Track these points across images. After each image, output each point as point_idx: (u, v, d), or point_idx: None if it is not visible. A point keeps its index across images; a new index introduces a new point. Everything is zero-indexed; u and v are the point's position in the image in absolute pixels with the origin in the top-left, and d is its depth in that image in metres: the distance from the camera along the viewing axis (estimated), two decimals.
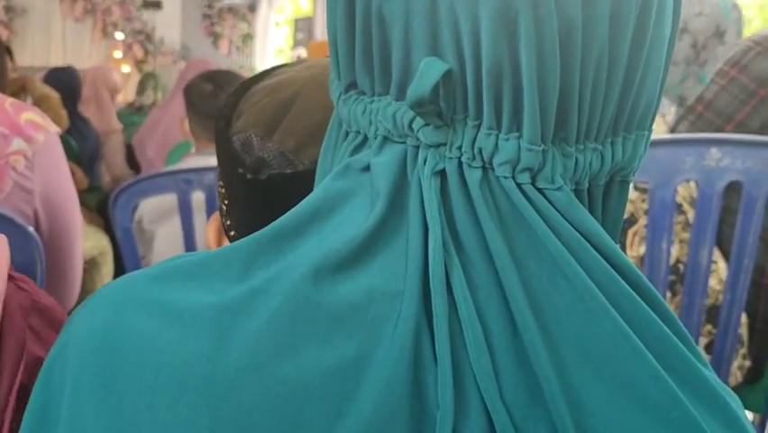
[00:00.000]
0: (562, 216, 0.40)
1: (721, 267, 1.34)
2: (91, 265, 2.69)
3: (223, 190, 0.64)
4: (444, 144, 0.40)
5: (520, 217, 0.40)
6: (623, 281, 0.40)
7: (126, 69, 7.23)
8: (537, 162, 0.39)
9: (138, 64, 7.38)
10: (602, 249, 0.40)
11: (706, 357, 1.28)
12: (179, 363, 0.38)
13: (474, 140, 0.40)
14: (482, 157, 0.40)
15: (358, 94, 0.44)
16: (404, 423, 0.37)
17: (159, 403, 0.38)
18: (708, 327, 1.30)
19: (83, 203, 2.68)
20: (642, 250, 1.26)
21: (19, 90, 2.54)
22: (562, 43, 0.38)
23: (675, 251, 1.31)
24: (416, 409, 0.38)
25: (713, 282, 1.31)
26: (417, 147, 0.41)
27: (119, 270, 2.95)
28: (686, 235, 1.29)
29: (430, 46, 0.39)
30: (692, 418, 0.38)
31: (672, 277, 1.29)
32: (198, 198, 1.68)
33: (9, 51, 3.63)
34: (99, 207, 3.24)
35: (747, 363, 1.39)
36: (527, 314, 0.38)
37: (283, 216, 0.43)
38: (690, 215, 1.29)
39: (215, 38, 7.68)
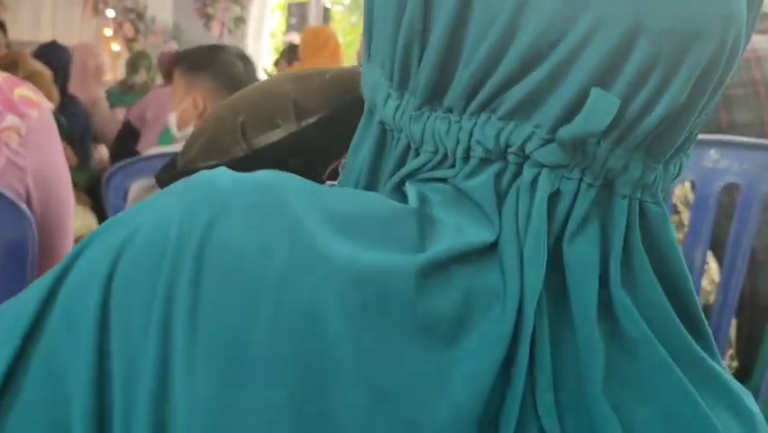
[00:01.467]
0: (655, 228, 0.42)
1: (713, 268, 1.35)
2: (78, 244, 2.69)
3: None
4: (565, 166, 0.40)
5: (631, 232, 0.41)
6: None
7: (116, 47, 7.17)
8: (652, 178, 0.41)
9: (128, 43, 7.32)
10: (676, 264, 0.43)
11: None
12: None
13: (605, 160, 0.40)
14: (605, 176, 0.40)
15: (436, 111, 0.43)
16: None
17: None
18: None
19: (72, 182, 2.66)
20: None
21: (10, 65, 2.52)
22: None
23: None
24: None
25: (704, 283, 1.32)
26: (519, 165, 0.41)
27: None
28: (680, 236, 1.29)
29: (586, 82, 0.38)
30: None
31: None
32: None
33: (2, 26, 3.61)
34: (88, 186, 3.22)
35: (735, 364, 1.40)
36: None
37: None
38: (684, 215, 1.30)
39: (207, 19, 7.64)
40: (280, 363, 0.36)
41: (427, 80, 0.42)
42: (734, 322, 1.37)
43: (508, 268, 0.39)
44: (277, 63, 4.15)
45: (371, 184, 0.47)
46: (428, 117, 0.43)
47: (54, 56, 3.36)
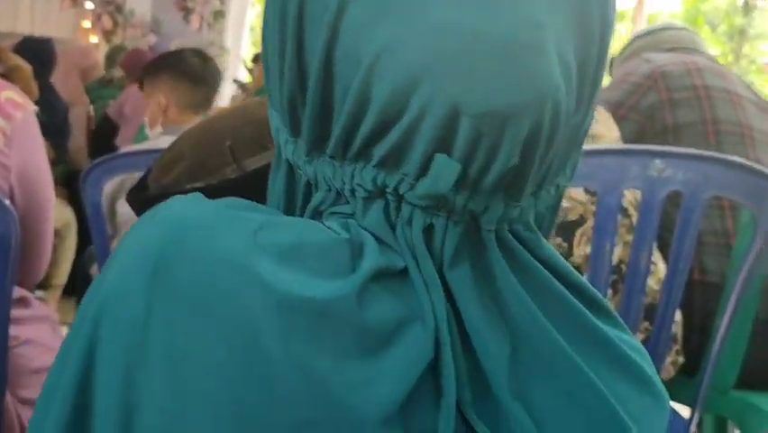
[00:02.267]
0: (534, 249, 0.49)
1: (660, 268, 1.43)
2: (58, 236, 2.72)
3: None
4: (432, 207, 0.46)
5: (496, 259, 0.47)
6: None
7: (94, 39, 7.15)
8: (518, 212, 0.48)
9: (106, 35, 7.28)
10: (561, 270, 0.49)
11: None
12: None
13: (466, 204, 0.46)
14: (469, 215, 0.46)
15: (322, 156, 0.48)
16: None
17: None
18: (646, 324, 1.39)
19: None
20: (588, 250, 1.34)
21: None
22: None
23: (619, 252, 1.40)
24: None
25: (652, 283, 1.40)
26: (397, 202, 0.46)
27: (82, 243, 2.98)
28: (630, 238, 1.37)
29: (438, 144, 0.44)
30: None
31: (615, 276, 1.37)
32: None
33: None
34: (64, 179, 3.25)
35: (681, 360, 1.48)
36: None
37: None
38: (635, 219, 1.38)
39: (187, 12, 7.61)
40: (225, 377, 0.42)
41: (309, 132, 0.48)
42: (680, 320, 1.46)
43: (419, 290, 0.45)
44: (255, 59, 4.18)
45: (288, 212, 0.52)
46: (317, 161, 0.48)
47: (36, 50, 3.37)
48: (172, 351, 0.42)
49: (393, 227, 0.47)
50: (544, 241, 0.50)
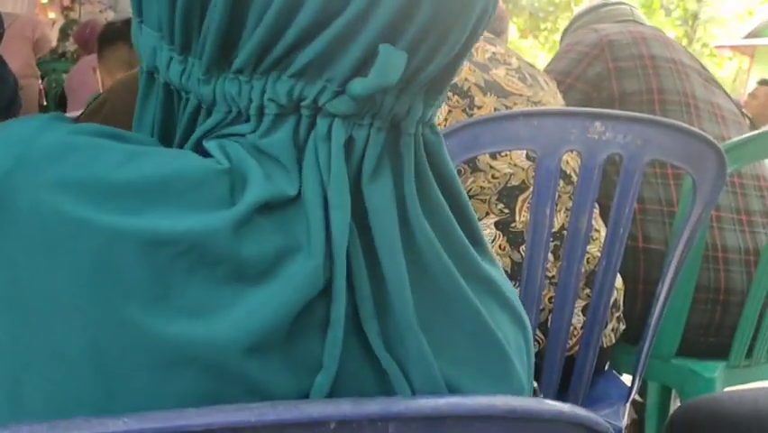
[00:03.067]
0: (436, 154, 0.48)
1: (602, 235, 1.42)
2: None
3: None
4: (356, 115, 0.43)
5: (420, 165, 0.46)
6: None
7: (52, 14, 7.02)
8: (431, 115, 0.47)
9: (64, 11, 7.16)
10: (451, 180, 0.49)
11: (582, 319, 1.36)
12: None
13: (392, 107, 0.44)
14: (392, 120, 0.45)
15: (225, 72, 0.44)
16: None
17: None
18: (587, 290, 1.39)
19: None
20: (530, 216, 1.34)
21: None
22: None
23: (561, 218, 1.39)
24: None
25: (594, 250, 1.40)
26: (313, 117, 0.44)
27: None
28: (572, 204, 1.36)
29: (374, 41, 0.42)
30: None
31: (557, 243, 1.37)
32: None
33: None
34: None
35: (622, 327, 1.48)
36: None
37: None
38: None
39: None
40: (80, 311, 0.39)
41: (212, 46, 0.44)
42: (621, 286, 1.46)
43: (313, 216, 0.43)
44: None
45: (164, 136, 0.48)
46: (217, 79, 0.44)
47: None
48: (15, 293, 0.40)
49: (300, 148, 0.44)
50: (444, 147, 0.49)
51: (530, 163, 1.38)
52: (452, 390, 0.46)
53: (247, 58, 0.43)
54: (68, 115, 1.79)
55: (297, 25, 0.42)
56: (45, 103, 3.90)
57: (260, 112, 0.44)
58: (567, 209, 1.39)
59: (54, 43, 4.22)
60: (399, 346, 0.45)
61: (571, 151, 1.26)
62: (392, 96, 0.44)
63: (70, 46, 4.14)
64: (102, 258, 0.39)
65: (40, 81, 3.88)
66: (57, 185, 0.40)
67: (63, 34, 4.24)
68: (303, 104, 0.43)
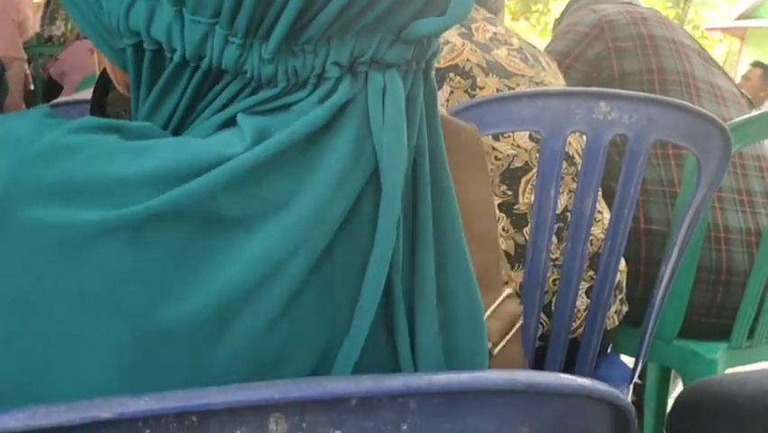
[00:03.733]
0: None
1: (606, 218, 1.41)
2: None
3: None
4: (408, 62, 0.46)
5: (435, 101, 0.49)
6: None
7: None
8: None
9: None
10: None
11: (585, 302, 1.35)
12: None
13: (429, 48, 0.47)
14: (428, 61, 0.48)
15: (291, 48, 0.44)
16: None
17: None
18: (591, 272, 1.38)
19: None
20: (533, 198, 1.32)
21: None
22: None
23: (564, 200, 1.38)
24: None
25: (597, 232, 1.39)
26: (366, 74, 0.45)
27: None
28: (575, 186, 1.35)
29: None
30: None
31: (560, 224, 1.36)
32: None
33: None
34: None
35: (625, 309, 1.48)
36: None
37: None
38: (581, 167, 1.36)
39: None
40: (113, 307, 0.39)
41: (286, 22, 0.43)
42: (624, 268, 1.45)
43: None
44: None
45: (183, 124, 0.48)
46: (280, 56, 0.44)
47: None
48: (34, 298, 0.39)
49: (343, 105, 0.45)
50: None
51: (533, 144, 1.36)
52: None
53: (318, 27, 0.43)
54: (63, 99, 1.77)
55: None
56: (32, 87, 3.86)
57: (319, 79, 0.45)
58: (570, 191, 1.37)
59: (38, 27, 4.16)
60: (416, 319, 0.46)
61: (576, 132, 1.25)
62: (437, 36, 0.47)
63: (57, 30, 4.09)
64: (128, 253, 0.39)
65: (27, 66, 3.84)
66: (64, 191, 0.39)
67: (50, 18, 4.18)
68: (360, 60, 0.45)
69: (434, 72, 0.49)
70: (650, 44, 1.74)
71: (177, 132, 0.47)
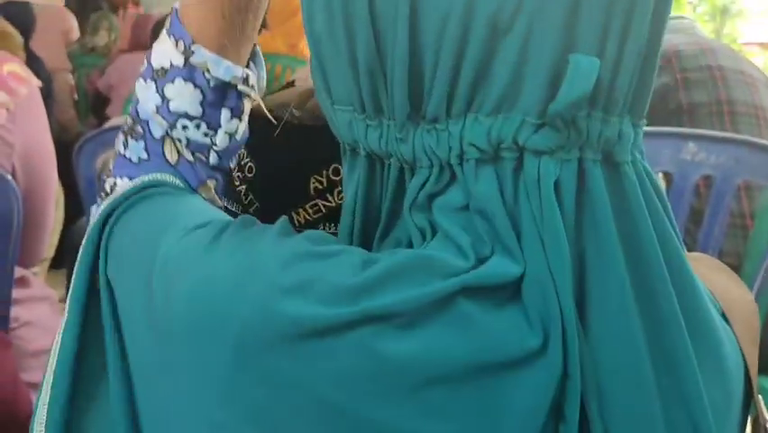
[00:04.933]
0: (651, 183, 0.42)
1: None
2: None
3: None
4: (562, 147, 0.39)
5: (635, 199, 0.40)
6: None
7: None
8: (641, 138, 0.42)
9: None
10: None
11: None
12: None
13: (600, 132, 0.40)
14: (604, 149, 0.40)
15: (421, 125, 0.42)
16: None
17: None
18: None
19: None
20: None
21: None
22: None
23: None
24: None
25: None
26: (517, 160, 0.40)
27: (68, 217, 2.91)
28: None
29: (553, 51, 0.38)
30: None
31: None
32: None
33: None
34: None
35: None
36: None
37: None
38: None
39: None
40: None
41: (401, 99, 0.41)
42: None
43: (549, 307, 0.39)
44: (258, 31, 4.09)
45: (367, 214, 0.46)
46: (414, 134, 0.42)
47: (16, 14, 3.28)
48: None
49: (509, 203, 0.40)
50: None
51: None
52: None
53: (437, 102, 0.40)
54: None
55: (471, 56, 0.39)
56: (76, 98, 3.88)
57: (461, 160, 0.41)
58: None
59: (76, 35, 4.19)
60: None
61: (663, 172, 1.24)
62: (597, 118, 0.40)
63: (100, 40, 4.11)
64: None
65: (71, 76, 3.86)
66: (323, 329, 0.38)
67: (94, 27, 4.21)
68: (503, 145, 0.39)
69: (628, 167, 0.41)
70: (719, 75, 1.72)
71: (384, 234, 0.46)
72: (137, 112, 0.55)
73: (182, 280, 0.41)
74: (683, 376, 0.41)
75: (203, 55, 0.54)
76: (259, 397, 0.37)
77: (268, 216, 0.47)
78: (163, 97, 0.54)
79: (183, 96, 0.54)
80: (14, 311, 1.25)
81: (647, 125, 0.44)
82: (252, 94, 0.56)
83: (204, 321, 0.39)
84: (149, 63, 0.55)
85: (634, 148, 0.42)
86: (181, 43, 0.54)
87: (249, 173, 0.68)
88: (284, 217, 0.45)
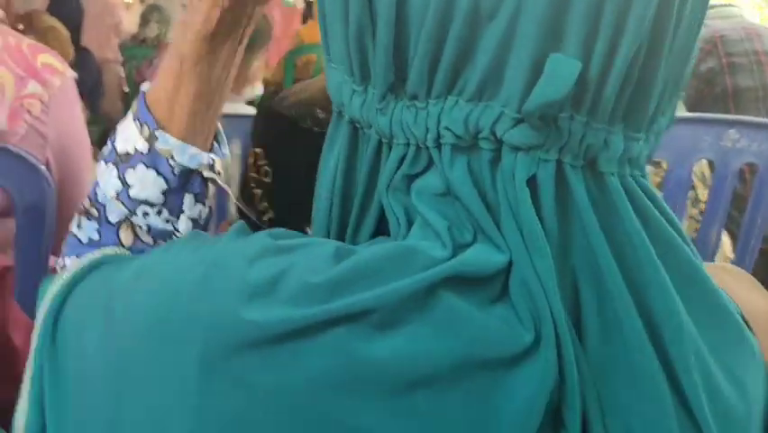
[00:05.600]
0: (650, 199, 0.39)
1: (726, 243, 1.35)
2: None
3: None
4: (540, 146, 0.37)
5: (624, 210, 0.38)
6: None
7: None
8: (637, 151, 0.39)
9: None
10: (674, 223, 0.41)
11: None
12: None
13: (583, 137, 0.37)
14: (586, 155, 0.38)
15: (402, 99, 0.40)
16: None
17: None
18: None
19: None
20: None
21: (27, 23, 2.50)
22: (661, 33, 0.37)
23: (684, 227, 1.32)
24: None
25: (716, 259, 1.33)
26: (495, 152, 0.38)
27: None
28: (694, 211, 1.30)
29: (537, 43, 0.36)
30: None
31: None
32: None
33: None
34: (99, 140, 3.23)
35: None
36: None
37: (373, 248, 0.38)
38: (700, 191, 1.30)
39: None
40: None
41: (382, 68, 0.39)
42: None
43: (536, 298, 0.37)
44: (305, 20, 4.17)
45: (347, 187, 0.44)
46: (394, 107, 0.40)
47: (66, 10, 3.34)
48: None
49: (484, 191, 0.38)
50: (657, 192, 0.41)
51: (651, 168, 1.31)
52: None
53: (417, 78, 0.38)
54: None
55: (454, 35, 0.37)
56: (126, 89, 3.94)
57: (438, 144, 0.39)
58: (690, 216, 1.32)
59: (135, 29, 4.25)
60: None
61: (703, 159, 1.20)
62: (580, 122, 0.37)
63: (150, 32, 4.16)
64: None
65: (122, 68, 3.92)
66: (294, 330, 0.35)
67: (143, 20, 4.26)
68: (481, 135, 0.37)
69: (614, 179, 0.38)
70: (765, 60, 1.68)
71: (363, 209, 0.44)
72: (95, 194, 0.54)
73: (140, 288, 0.40)
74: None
75: (167, 141, 0.52)
76: (231, 409, 0.35)
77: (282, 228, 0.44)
78: (124, 183, 0.52)
79: (145, 184, 0.52)
80: None
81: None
82: (219, 180, 0.54)
83: (164, 330, 0.37)
84: (112, 146, 0.53)
85: (632, 161, 0.39)
86: (146, 128, 0.52)
87: (265, 177, 0.66)
88: (240, 221, 0.43)
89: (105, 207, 0.53)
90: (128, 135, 0.53)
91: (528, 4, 0.35)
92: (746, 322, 0.45)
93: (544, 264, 0.37)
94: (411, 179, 0.40)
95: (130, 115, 0.53)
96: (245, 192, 0.66)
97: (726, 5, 1.96)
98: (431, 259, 0.37)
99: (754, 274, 1.41)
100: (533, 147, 0.37)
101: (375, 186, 0.43)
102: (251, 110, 1.80)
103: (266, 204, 0.65)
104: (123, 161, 0.52)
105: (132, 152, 0.52)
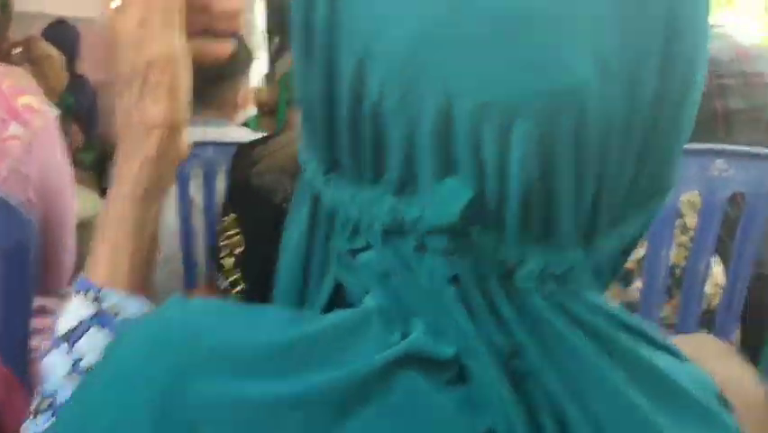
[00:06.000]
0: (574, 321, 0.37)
1: (717, 271, 1.34)
2: (86, 227, 2.68)
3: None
4: (455, 252, 0.36)
5: (548, 326, 0.36)
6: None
7: None
8: (562, 269, 0.37)
9: None
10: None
11: None
12: None
13: (495, 251, 0.36)
14: (502, 268, 0.36)
15: (341, 177, 0.39)
16: None
17: None
18: (703, 331, 1.31)
19: (78, 162, 2.65)
20: (640, 252, 1.26)
21: (23, 49, 2.50)
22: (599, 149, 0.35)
23: (672, 255, 1.31)
24: None
25: (707, 287, 1.31)
26: (420, 244, 0.37)
27: None
28: (684, 238, 1.28)
29: (441, 158, 0.35)
30: None
31: (668, 281, 1.29)
32: (196, 173, 1.63)
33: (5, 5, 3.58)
34: (94, 165, 3.23)
35: None
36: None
37: (318, 326, 0.37)
38: (689, 219, 1.29)
39: None
40: None
41: (321, 147, 0.39)
42: (737, 330, 1.37)
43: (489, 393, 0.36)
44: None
45: (307, 257, 0.43)
46: (335, 183, 0.40)
47: (62, 35, 3.36)
48: None
49: (417, 278, 0.37)
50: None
51: None
52: None
53: (347, 163, 0.38)
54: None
55: (367, 127, 0.37)
56: None
57: (371, 229, 0.38)
58: (679, 245, 1.30)
59: None
60: None
61: (690, 190, 1.18)
62: (492, 237, 0.36)
63: None
64: None
65: None
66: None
67: None
68: (405, 228, 0.37)
69: (534, 296, 0.37)
70: (756, 82, 1.67)
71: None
72: (44, 390, 0.54)
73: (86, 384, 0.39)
74: None
75: (113, 298, 0.53)
76: None
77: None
78: (74, 359, 0.53)
79: (96, 349, 0.53)
80: (35, 340, 1.25)
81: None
82: None
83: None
84: (55, 336, 0.54)
85: (560, 278, 0.37)
86: (90, 293, 0.53)
87: (238, 247, 0.64)
88: (176, 294, 0.42)
89: (56, 391, 0.53)
90: (71, 310, 0.54)
91: (422, 109, 0.35)
92: (724, 399, 0.44)
93: (484, 360, 0.36)
94: (356, 252, 0.39)
95: (71, 298, 0.55)
96: (216, 262, 0.64)
97: (719, 25, 1.96)
98: (385, 337, 0.37)
99: (750, 300, 1.40)
100: (449, 252, 0.36)
101: (327, 259, 0.42)
102: (241, 133, 1.78)
103: (238, 276, 0.63)
104: (70, 335, 0.53)
105: (76, 324, 0.53)
